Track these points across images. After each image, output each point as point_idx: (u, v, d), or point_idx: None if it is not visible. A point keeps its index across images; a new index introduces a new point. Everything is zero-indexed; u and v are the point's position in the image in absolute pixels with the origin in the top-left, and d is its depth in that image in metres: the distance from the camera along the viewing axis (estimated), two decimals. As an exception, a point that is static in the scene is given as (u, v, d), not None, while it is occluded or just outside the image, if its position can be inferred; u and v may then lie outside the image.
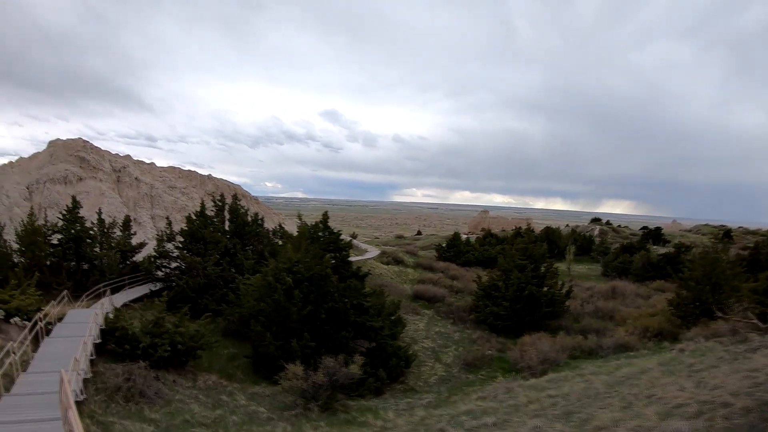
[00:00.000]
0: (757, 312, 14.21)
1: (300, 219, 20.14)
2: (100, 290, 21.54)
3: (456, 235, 59.12)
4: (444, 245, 56.88)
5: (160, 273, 23.49)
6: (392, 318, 21.65)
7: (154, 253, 23.64)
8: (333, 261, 20.83)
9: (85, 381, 12.26)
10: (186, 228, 22.83)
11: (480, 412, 11.25)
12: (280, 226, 31.03)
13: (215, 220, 24.26)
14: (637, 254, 51.37)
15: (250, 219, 26.58)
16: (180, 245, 22.73)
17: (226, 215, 25.42)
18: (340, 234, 22.10)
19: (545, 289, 28.63)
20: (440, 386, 19.06)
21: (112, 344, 15.41)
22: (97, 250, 23.82)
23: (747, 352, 12.14)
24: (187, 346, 15.56)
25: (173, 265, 22.97)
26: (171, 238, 23.67)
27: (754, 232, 67.59)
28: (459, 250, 54.10)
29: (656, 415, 8.63)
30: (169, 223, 24.13)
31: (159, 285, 23.08)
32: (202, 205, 23.84)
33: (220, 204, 24.99)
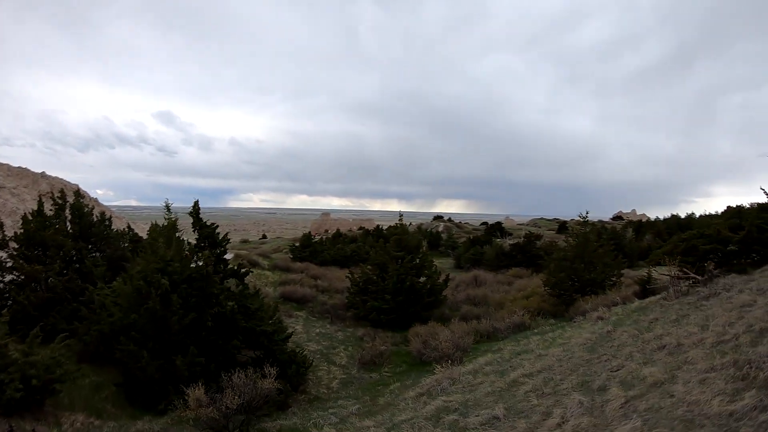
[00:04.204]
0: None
1: (168, 210, 17.04)
2: None
3: (309, 235, 57.99)
4: (298, 245, 55.33)
5: (-9, 288, 18.88)
6: (272, 321, 19.21)
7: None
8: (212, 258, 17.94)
9: None
10: (21, 231, 18.48)
11: (457, 406, 9.38)
12: (128, 227, 27.00)
13: (55, 221, 20.09)
14: (487, 246, 53.57)
15: (95, 219, 22.60)
16: (15, 253, 18.35)
17: (68, 215, 21.24)
18: (217, 226, 19.22)
19: (423, 279, 28.00)
20: (346, 390, 17.11)
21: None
22: None
23: (701, 300, 11.83)
24: (43, 381, 11.91)
25: (8, 277, 18.49)
26: (3, 245, 19.09)
27: (584, 224, 73.47)
28: (314, 249, 52.75)
29: (717, 351, 7.44)
30: (1, 226, 19.42)
31: (-9, 303, 18.51)
32: (40, 203, 19.55)
33: (60, 202, 20.75)
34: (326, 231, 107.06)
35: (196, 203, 18.78)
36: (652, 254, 21.00)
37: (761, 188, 15.31)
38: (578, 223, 32.02)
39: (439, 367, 13.50)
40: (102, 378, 15.25)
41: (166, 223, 17.31)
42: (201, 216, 18.74)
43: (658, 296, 14.79)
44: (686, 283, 13.50)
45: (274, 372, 13.20)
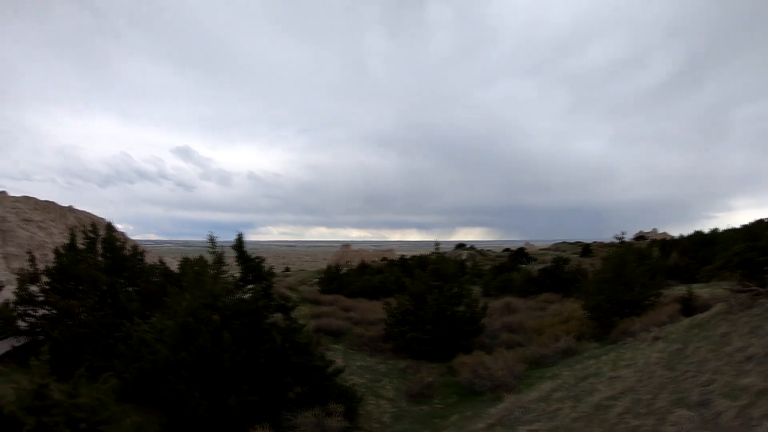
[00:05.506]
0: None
1: (213, 242, 16.19)
2: (-52, 350, 15.99)
3: (336, 267, 57.61)
4: (324, 277, 54.91)
5: (23, 323, 17.95)
6: (317, 355, 18.20)
7: (15, 299, 18.10)
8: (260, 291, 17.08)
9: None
10: (54, 264, 17.68)
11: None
12: (161, 261, 26.18)
13: (88, 255, 19.31)
14: (514, 272, 52.83)
15: (127, 253, 21.79)
16: (47, 287, 17.51)
17: (99, 249, 20.42)
18: (263, 260, 18.42)
19: (462, 307, 26.99)
20: (400, 424, 16.30)
21: (-24, 430, 10.55)
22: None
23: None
24: (90, 423, 10.86)
25: (40, 312, 17.64)
26: (35, 278, 18.28)
27: (608, 246, 72.90)
28: (342, 281, 52.28)
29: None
30: (32, 259, 18.62)
31: (23, 339, 17.56)
32: (73, 236, 18.82)
33: (92, 236, 19.96)
34: (348, 262, 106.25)
35: (240, 237, 18.21)
36: (702, 270, 20.39)
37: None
38: (603, 244, 31.19)
39: (507, 395, 12.71)
40: (142, 418, 14.27)
41: (199, 257, 16.54)
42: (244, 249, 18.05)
43: (711, 311, 14.25)
44: (748, 296, 12.73)
45: (341, 409, 12.27)
